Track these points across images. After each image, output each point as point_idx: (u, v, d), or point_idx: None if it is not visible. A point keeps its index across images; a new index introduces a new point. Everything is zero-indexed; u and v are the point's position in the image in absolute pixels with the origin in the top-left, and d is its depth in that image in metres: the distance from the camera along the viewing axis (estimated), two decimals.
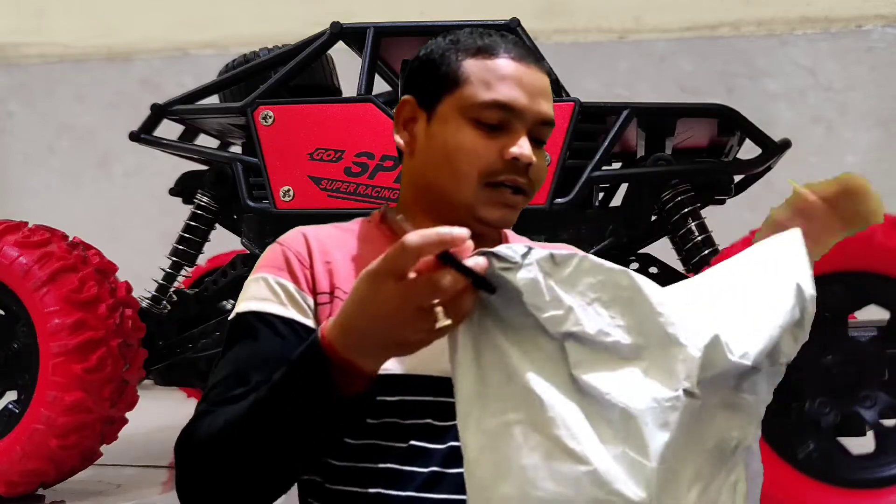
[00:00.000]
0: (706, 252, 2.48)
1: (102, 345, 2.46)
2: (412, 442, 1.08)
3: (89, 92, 4.93)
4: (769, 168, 2.64)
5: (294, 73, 2.63)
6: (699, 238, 2.51)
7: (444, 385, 1.09)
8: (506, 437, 0.85)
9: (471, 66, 1.15)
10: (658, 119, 2.53)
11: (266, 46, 2.84)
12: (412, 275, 0.85)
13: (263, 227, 2.55)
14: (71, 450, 2.49)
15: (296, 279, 1.12)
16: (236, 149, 2.95)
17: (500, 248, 0.86)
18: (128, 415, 2.65)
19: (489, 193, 1.13)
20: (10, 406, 2.60)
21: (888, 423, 2.33)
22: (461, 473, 1.06)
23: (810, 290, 0.94)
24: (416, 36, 2.57)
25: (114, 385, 2.51)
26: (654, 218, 2.61)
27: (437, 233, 0.84)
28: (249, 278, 1.15)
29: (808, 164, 4.17)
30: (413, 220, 1.19)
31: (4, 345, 2.63)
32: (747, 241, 2.24)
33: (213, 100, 2.84)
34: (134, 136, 2.74)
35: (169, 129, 2.81)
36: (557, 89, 2.56)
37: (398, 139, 1.20)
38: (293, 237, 1.17)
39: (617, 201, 2.70)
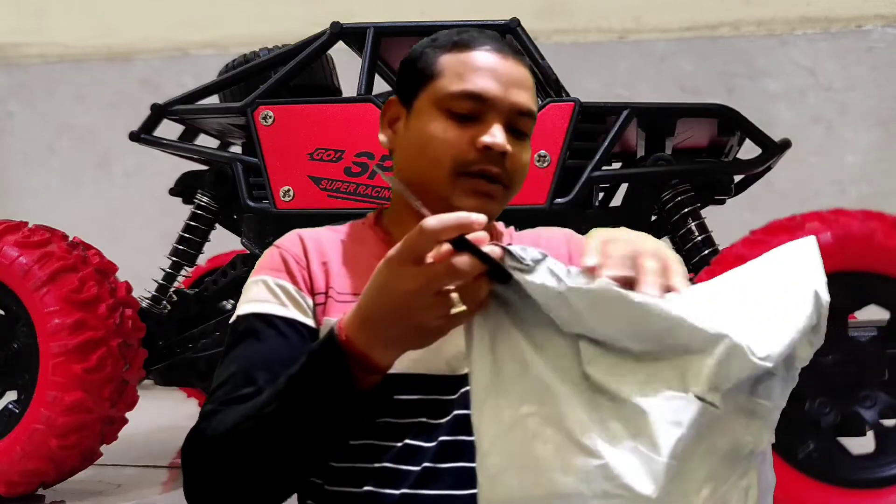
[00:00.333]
0: (706, 252, 2.48)
1: (102, 345, 2.46)
2: (406, 441, 1.08)
3: (89, 92, 4.93)
4: (769, 168, 2.64)
5: (294, 73, 2.64)
6: (699, 238, 2.51)
7: (436, 383, 1.09)
8: (519, 428, 0.86)
9: (446, 60, 1.16)
10: (658, 119, 2.53)
11: (266, 46, 2.84)
12: (430, 259, 0.86)
13: (263, 227, 2.55)
14: (71, 450, 2.49)
15: (294, 280, 1.13)
16: (236, 149, 2.96)
17: (514, 248, 0.87)
18: (128, 415, 2.65)
19: (463, 182, 1.12)
20: (10, 406, 2.60)
21: (888, 423, 2.33)
22: (453, 469, 1.07)
23: (826, 296, 0.93)
24: (416, 36, 2.56)
25: (114, 385, 2.51)
26: (654, 218, 2.61)
27: (456, 216, 0.86)
28: (249, 281, 1.15)
29: (808, 164, 4.17)
30: (401, 217, 1.19)
31: (4, 345, 2.63)
32: (747, 242, 2.25)
33: (213, 100, 2.84)
34: (134, 136, 2.74)
35: (169, 129, 2.81)
36: (557, 89, 2.56)
37: (382, 138, 1.21)
38: (290, 239, 1.18)
39: (617, 201, 2.70)
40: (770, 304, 0.93)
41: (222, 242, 3.04)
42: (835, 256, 2.23)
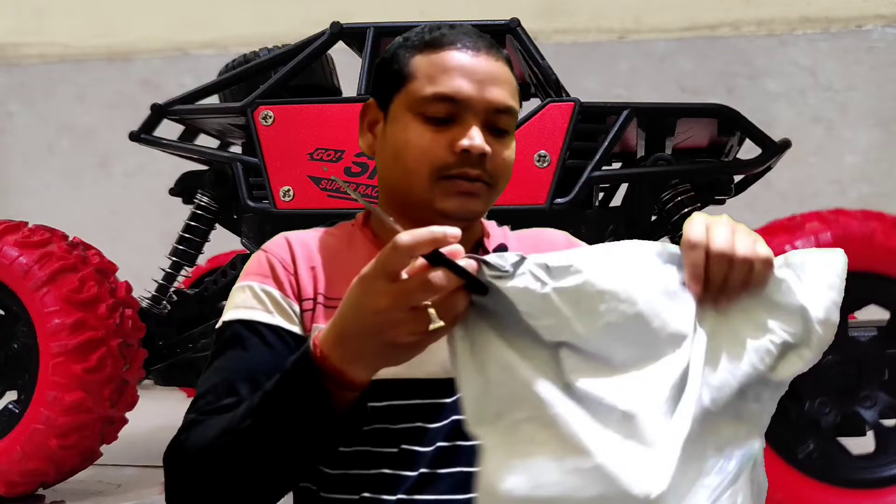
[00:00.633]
0: None
1: (102, 345, 2.46)
2: (403, 446, 1.07)
3: (89, 92, 4.93)
4: (769, 168, 2.64)
5: (294, 73, 2.64)
6: None
7: (431, 386, 1.08)
8: (514, 433, 0.86)
9: (417, 62, 1.13)
10: (658, 119, 2.53)
11: (266, 46, 2.84)
12: (405, 275, 0.85)
13: (263, 227, 2.55)
14: (71, 450, 2.49)
15: (281, 286, 1.11)
16: (236, 149, 2.95)
17: (491, 257, 0.87)
18: (128, 415, 2.65)
19: (444, 185, 1.10)
20: (10, 406, 2.60)
21: (888, 423, 2.33)
22: (451, 473, 1.06)
23: (819, 313, 0.93)
24: None
25: (114, 385, 2.51)
26: (654, 218, 2.61)
27: (430, 231, 0.84)
28: (235, 286, 1.14)
29: (808, 164, 4.17)
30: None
31: (4, 345, 2.63)
32: None
33: (213, 100, 2.84)
34: (134, 136, 2.74)
35: (169, 129, 2.81)
36: (557, 89, 2.56)
37: (362, 143, 1.19)
38: (277, 243, 1.17)
39: (617, 201, 2.70)
40: (757, 312, 0.94)
41: (222, 242, 3.04)
42: None
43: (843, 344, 2.21)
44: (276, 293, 1.11)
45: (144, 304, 2.77)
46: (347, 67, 2.86)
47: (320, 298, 1.12)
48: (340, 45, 2.68)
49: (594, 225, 2.47)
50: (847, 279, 0.95)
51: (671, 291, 0.92)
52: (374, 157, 1.19)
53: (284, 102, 2.57)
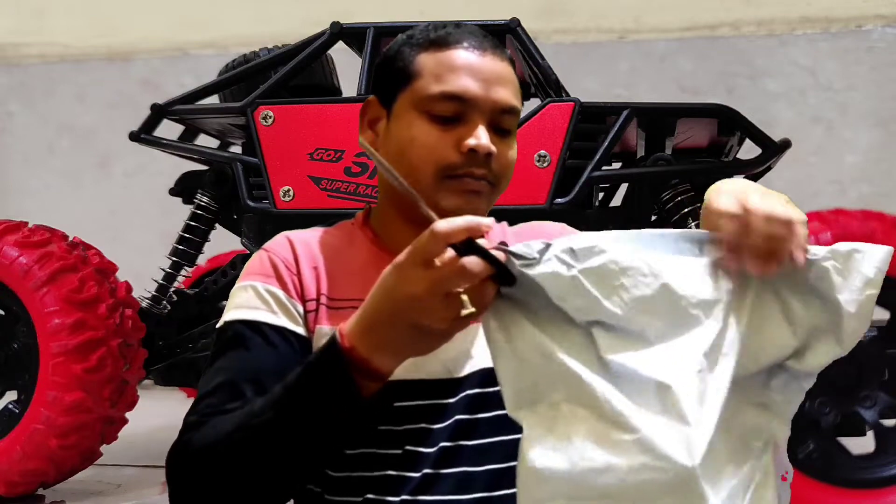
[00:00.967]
0: None
1: (102, 345, 2.46)
2: (406, 447, 1.07)
3: (89, 92, 4.93)
4: (769, 168, 2.64)
5: (294, 73, 2.63)
6: None
7: (435, 387, 1.08)
8: (554, 414, 0.89)
9: (423, 60, 1.13)
10: (658, 119, 2.53)
11: (266, 46, 2.84)
12: (438, 263, 0.87)
13: (263, 227, 2.55)
14: (71, 450, 2.49)
15: (285, 286, 1.11)
16: (236, 149, 2.95)
17: (517, 247, 0.90)
18: (128, 415, 2.65)
19: (448, 183, 1.10)
20: (10, 406, 2.60)
21: (888, 423, 2.33)
22: (454, 473, 1.06)
23: (852, 307, 0.94)
24: None
25: (114, 385, 2.51)
26: (654, 218, 2.61)
27: (465, 220, 0.87)
28: (237, 286, 1.13)
29: (808, 164, 4.17)
30: (388, 217, 1.18)
31: (4, 345, 2.63)
32: None
33: (213, 100, 2.84)
34: (134, 136, 2.74)
35: (169, 129, 2.81)
36: (557, 89, 2.56)
37: (362, 139, 1.18)
38: (279, 243, 1.16)
39: (617, 201, 2.70)
40: (792, 298, 0.95)
41: (222, 242, 3.04)
42: None
43: None
44: (281, 294, 1.10)
45: (144, 304, 2.77)
46: (347, 67, 2.86)
47: (323, 299, 1.12)
48: (340, 45, 2.68)
49: (594, 225, 2.47)
50: None
51: (696, 267, 0.93)
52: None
53: (284, 102, 2.57)
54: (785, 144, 2.56)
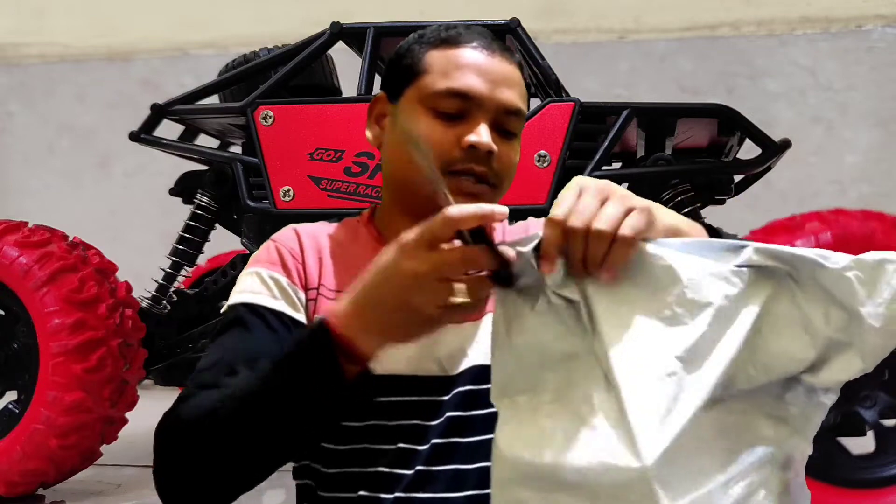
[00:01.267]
0: None
1: (102, 345, 2.46)
2: (400, 444, 1.07)
3: (89, 92, 4.93)
4: (769, 168, 2.64)
5: (294, 73, 2.64)
6: None
7: (429, 384, 1.09)
8: (534, 408, 0.90)
9: (432, 57, 1.14)
10: (658, 119, 2.53)
11: (266, 46, 2.84)
12: (445, 246, 0.86)
13: (263, 227, 2.55)
14: (71, 450, 2.49)
15: (289, 273, 1.12)
16: (236, 149, 2.95)
17: (519, 241, 0.90)
18: (128, 415, 2.65)
19: (448, 181, 1.09)
20: (10, 406, 2.60)
21: (888, 423, 2.33)
22: (447, 471, 1.07)
23: (876, 321, 0.88)
24: None
25: (114, 385, 2.51)
26: None
27: (479, 207, 0.86)
28: (243, 272, 1.15)
29: (808, 164, 4.17)
30: (391, 217, 1.19)
31: (4, 345, 2.63)
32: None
33: (213, 100, 2.84)
34: (134, 136, 2.74)
35: (169, 129, 2.81)
36: (557, 89, 2.56)
37: (369, 134, 1.20)
38: (286, 234, 1.18)
39: None
40: (813, 304, 0.92)
41: (222, 242, 3.04)
42: None
43: None
44: (283, 280, 1.12)
45: (144, 304, 2.77)
46: (347, 67, 2.86)
47: (323, 289, 1.13)
48: (340, 45, 2.68)
49: None
50: None
51: (698, 268, 0.91)
52: (379, 148, 1.20)
53: (284, 102, 2.57)
54: (785, 144, 2.56)
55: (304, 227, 1.19)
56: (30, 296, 2.49)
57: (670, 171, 2.49)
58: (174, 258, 2.80)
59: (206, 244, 2.86)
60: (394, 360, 1.00)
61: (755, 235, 2.27)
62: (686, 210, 2.50)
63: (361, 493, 1.07)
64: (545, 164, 2.41)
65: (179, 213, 2.89)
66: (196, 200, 2.79)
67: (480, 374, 1.09)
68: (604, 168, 2.47)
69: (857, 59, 4.31)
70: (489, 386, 1.01)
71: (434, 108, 1.12)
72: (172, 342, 2.75)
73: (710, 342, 0.89)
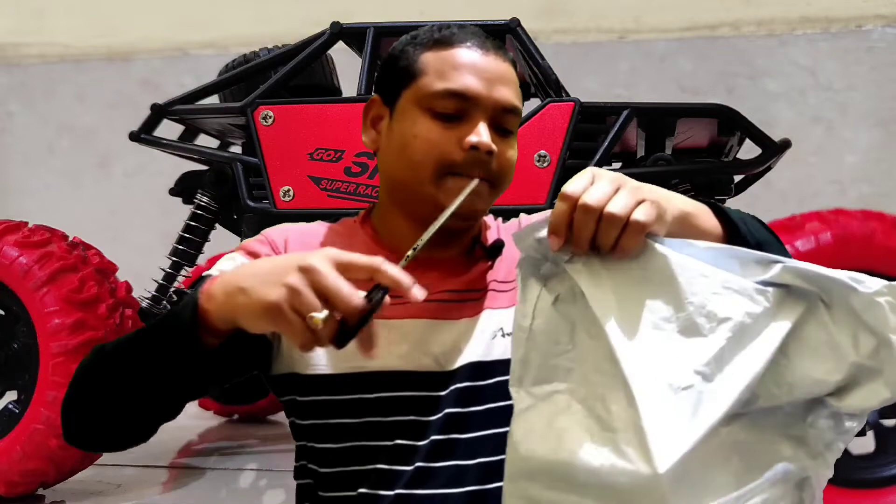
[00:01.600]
0: None
1: None
2: (398, 440, 1.08)
3: (89, 92, 4.93)
4: (769, 168, 2.64)
5: (294, 73, 2.63)
6: None
7: (424, 380, 1.09)
8: (549, 402, 0.90)
9: (427, 59, 1.15)
10: (658, 119, 2.53)
11: (266, 46, 2.84)
12: (341, 281, 0.86)
13: (263, 227, 2.51)
14: (71, 450, 2.49)
15: None
16: (236, 149, 2.95)
17: (537, 223, 0.92)
18: None
19: (450, 182, 1.11)
20: (10, 406, 2.60)
21: (888, 423, 2.33)
22: (447, 467, 1.07)
23: None
24: None
25: None
26: None
27: (405, 279, 0.86)
28: (225, 255, 1.18)
29: (808, 164, 4.17)
30: (387, 216, 1.19)
31: (4, 345, 2.63)
32: None
33: (213, 100, 2.84)
34: (134, 136, 2.74)
35: (169, 129, 2.81)
36: (557, 89, 2.56)
37: (365, 138, 1.21)
38: (277, 230, 1.21)
39: None
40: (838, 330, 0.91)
41: (222, 242, 3.03)
42: (835, 256, 2.23)
43: None
44: None
45: (144, 304, 2.77)
46: (347, 67, 2.86)
47: None
48: (340, 45, 2.68)
49: None
50: None
51: (725, 281, 0.90)
52: (376, 152, 1.20)
53: (284, 102, 2.57)
54: (785, 144, 2.56)
55: (298, 225, 1.21)
56: (30, 296, 2.49)
57: (670, 171, 2.49)
58: (174, 258, 2.80)
59: (206, 244, 2.86)
60: (388, 356, 1.01)
61: None
62: None
63: (361, 490, 1.07)
64: (545, 164, 2.41)
65: (179, 213, 2.89)
66: (196, 200, 2.79)
67: (478, 370, 1.09)
68: (604, 168, 2.46)
69: (857, 59, 4.30)
70: (487, 382, 1.02)
71: (432, 110, 1.12)
72: None
73: (730, 358, 0.88)
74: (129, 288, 2.67)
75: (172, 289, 2.82)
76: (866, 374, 0.89)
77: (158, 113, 2.71)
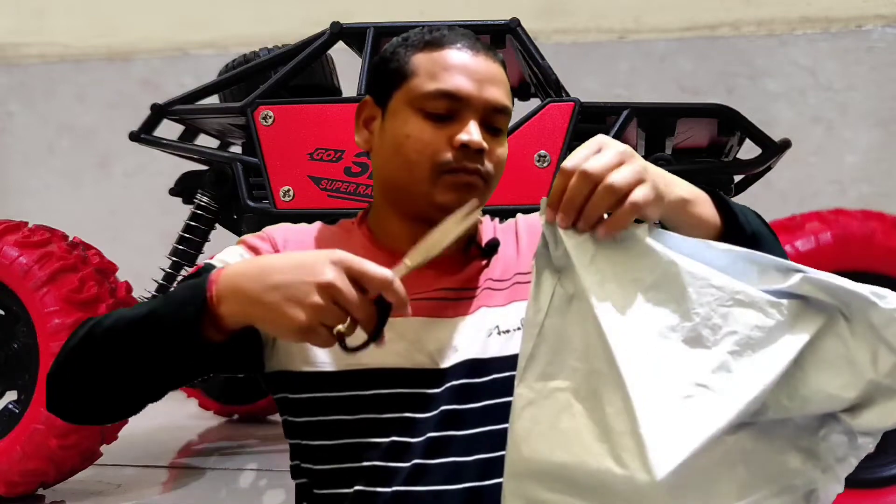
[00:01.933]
0: None
1: None
2: (393, 437, 1.08)
3: (89, 92, 4.92)
4: (769, 168, 2.64)
5: (294, 73, 2.64)
6: None
7: (419, 377, 1.10)
8: (551, 399, 0.90)
9: (418, 60, 1.16)
10: (658, 119, 2.53)
11: (266, 46, 2.84)
12: (339, 286, 0.89)
13: (263, 227, 2.53)
14: (71, 450, 2.49)
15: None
16: (236, 149, 2.95)
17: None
18: None
19: (443, 179, 1.13)
20: (10, 406, 2.60)
21: None
22: (444, 464, 1.08)
23: None
24: None
25: None
26: None
27: (401, 295, 0.91)
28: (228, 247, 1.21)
29: (808, 164, 4.17)
30: (383, 216, 1.21)
31: (4, 345, 2.63)
32: None
33: (213, 100, 2.84)
34: (134, 136, 2.74)
35: (169, 129, 2.81)
36: (557, 89, 2.56)
37: (358, 139, 1.22)
38: (278, 228, 1.23)
39: None
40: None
41: (222, 242, 3.03)
42: (835, 256, 2.24)
43: None
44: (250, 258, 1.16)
45: None
46: (347, 67, 2.86)
47: None
48: (340, 45, 2.68)
49: None
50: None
51: (743, 292, 0.90)
52: (369, 152, 1.22)
53: (284, 102, 2.57)
54: (785, 144, 2.56)
55: (297, 227, 1.23)
56: (30, 296, 2.49)
57: (670, 171, 2.49)
58: (174, 258, 2.80)
59: (206, 244, 2.86)
60: (383, 353, 1.02)
61: None
62: None
63: (358, 487, 1.07)
64: (545, 164, 2.41)
65: (179, 213, 2.89)
66: (196, 200, 2.79)
67: (474, 367, 1.10)
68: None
69: (857, 59, 4.30)
70: (483, 379, 1.03)
71: (423, 110, 1.14)
72: None
73: (736, 370, 0.88)
74: (129, 288, 2.66)
75: (172, 289, 2.82)
76: (883, 392, 0.88)
77: (158, 113, 2.71)
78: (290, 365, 1.13)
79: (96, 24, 4.90)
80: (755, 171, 2.61)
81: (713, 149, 2.76)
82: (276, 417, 3.67)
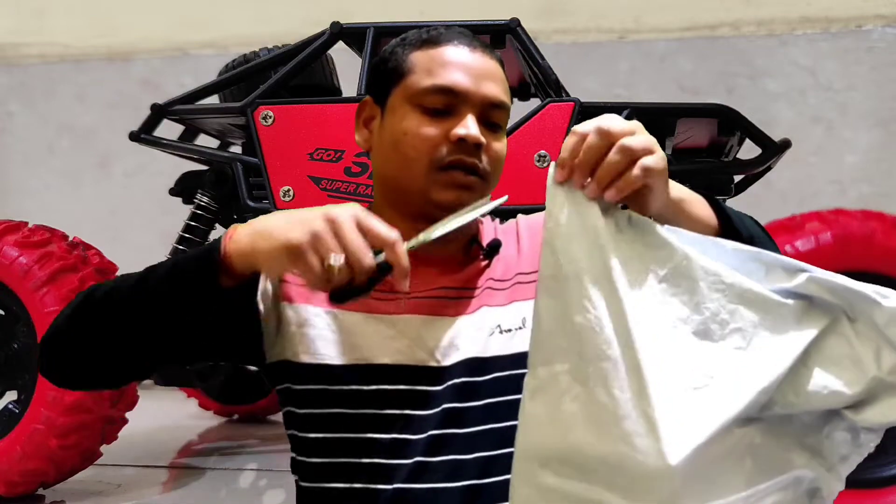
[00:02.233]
0: None
1: None
2: (395, 435, 1.08)
3: (89, 92, 4.93)
4: (769, 168, 2.64)
5: (294, 73, 2.64)
6: None
7: (421, 374, 1.10)
8: (554, 382, 0.90)
9: (416, 57, 1.17)
10: (658, 119, 2.53)
11: (266, 46, 2.84)
12: (346, 230, 0.92)
13: None
14: (71, 450, 2.49)
15: None
16: (236, 149, 2.96)
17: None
18: (128, 415, 2.65)
19: (441, 176, 1.13)
20: (10, 406, 2.60)
21: None
22: (445, 461, 1.08)
23: None
24: None
25: None
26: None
27: (405, 264, 0.94)
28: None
29: (808, 164, 4.17)
30: (382, 214, 1.20)
31: (4, 345, 2.63)
32: None
33: (213, 100, 2.84)
34: (134, 136, 2.74)
35: (169, 129, 2.81)
36: (557, 89, 2.56)
37: (358, 138, 1.23)
38: None
39: None
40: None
41: None
42: (835, 256, 2.24)
43: None
44: None
45: None
46: (347, 67, 2.86)
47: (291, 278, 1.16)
48: (340, 45, 2.68)
49: None
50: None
51: (752, 291, 0.90)
52: (369, 151, 1.22)
53: (284, 102, 2.57)
54: (785, 144, 2.56)
55: None
56: (30, 296, 2.49)
57: (670, 171, 2.49)
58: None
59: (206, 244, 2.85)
60: (386, 350, 1.02)
61: None
62: None
63: (359, 484, 1.07)
64: (545, 164, 2.41)
65: (179, 213, 2.89)
66: (196, 200, 2.79)
67: (475, 366, 1.10)
68: None
69: (857, 59, 4.30)
70: (485, 378, 1.03)
71: (421, 106, 1.14)
72: None
73: (743, 364, 0.89)
74: None
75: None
76: (886, 389, 0.89)
77: (158, 113, 2.71)
78: (292, 355, 1.13)
79: (96, 24, 4.90)
80: (755, 171, 2.61)
81: (713, 149, 2.76)
82: (276, 417, 3.68)
